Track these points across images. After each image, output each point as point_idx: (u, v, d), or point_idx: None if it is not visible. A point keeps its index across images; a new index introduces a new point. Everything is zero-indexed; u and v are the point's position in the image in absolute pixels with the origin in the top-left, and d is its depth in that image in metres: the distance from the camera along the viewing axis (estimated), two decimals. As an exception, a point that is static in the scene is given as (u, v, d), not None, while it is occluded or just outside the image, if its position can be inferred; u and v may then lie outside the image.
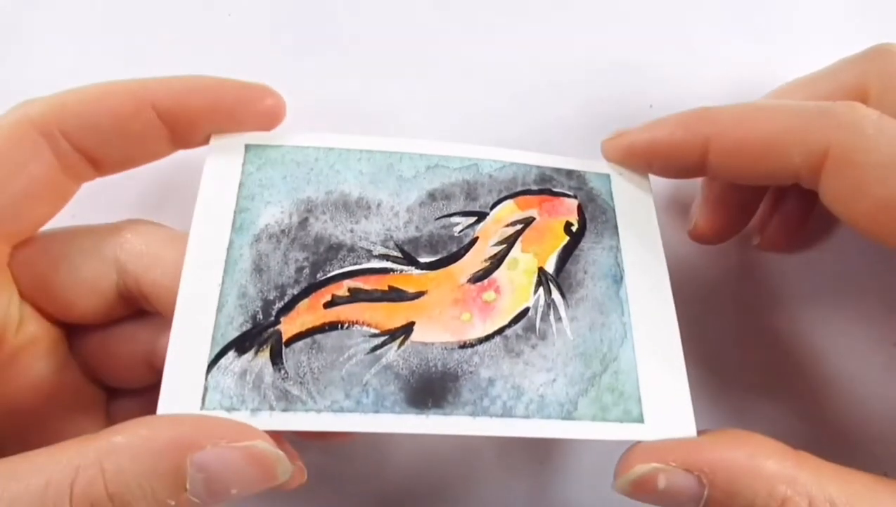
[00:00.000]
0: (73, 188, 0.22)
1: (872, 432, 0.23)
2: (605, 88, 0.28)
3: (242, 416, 0.19)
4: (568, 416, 0.19)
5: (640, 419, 0.20)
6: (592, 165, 0.24)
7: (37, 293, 0.21)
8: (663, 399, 0.20)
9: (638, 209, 0.23)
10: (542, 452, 0.24)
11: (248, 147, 0.22)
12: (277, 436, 0.18)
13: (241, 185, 0.22)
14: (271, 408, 0.19)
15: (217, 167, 0.22)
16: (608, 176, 0.24)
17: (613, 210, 0.23)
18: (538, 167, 0.23)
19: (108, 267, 0.21)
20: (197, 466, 0.17)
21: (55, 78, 0.21)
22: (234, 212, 0.21)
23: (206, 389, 0.19)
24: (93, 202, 0.23)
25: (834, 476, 0.18)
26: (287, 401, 0.19)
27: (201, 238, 0.21)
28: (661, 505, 0.19)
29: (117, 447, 0.16)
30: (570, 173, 0.23)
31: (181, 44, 0.27)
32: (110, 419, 0.23)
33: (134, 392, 0.23)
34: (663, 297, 0.22)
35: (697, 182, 0.27)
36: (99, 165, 0.21)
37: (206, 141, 0.22)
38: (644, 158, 0.23)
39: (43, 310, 0.22)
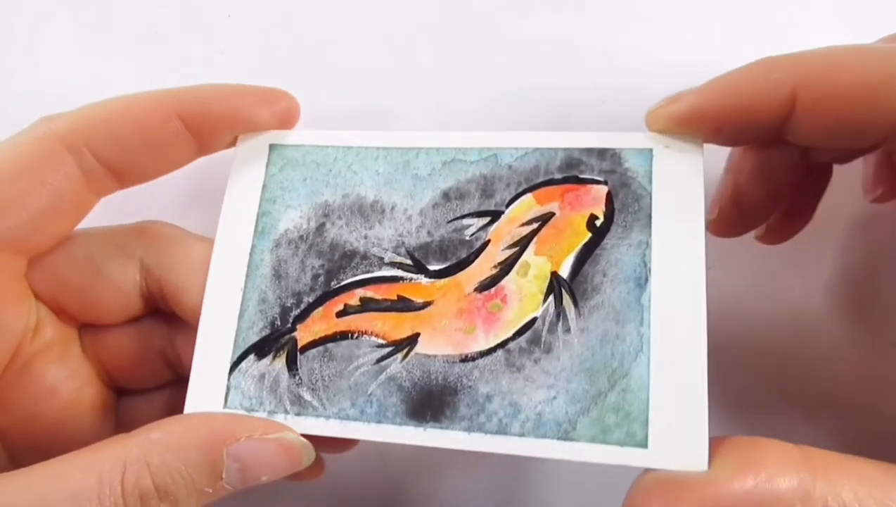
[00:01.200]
0: (93, 201, 0.22)
1: (873, 432, 0.22)
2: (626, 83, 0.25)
3: (260, 416, 0.21)
4: (565, 436, 0.19)
5: (644, 444, 0.19)
6: (631, 139, 0.21)
7: (59, 296, 0.22)
8: (674, 424, 0.19)
9: (682, 193, 0.20)
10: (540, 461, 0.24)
11: (272, 147, 0.23)
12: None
13: (264, 187, 0.23)
14: (286, 411, 0.21)
15: (244, 169, 0.23)
16: (650, 151, 0.21)
17: (650, 196, 0.20)
18: (565, 150, 0.21)
19: (132, 269, 0.22)
20: (233, 457, 0.19)
21: (54, 78, 0.22)
22: (257, 216, 0.22)
23: (228, 389, 0.21)
24: (105, 207, 0.23)
25: (847, 475, 0.17)
26: (300, 406, 0.21)
27: (226, 241, 0.22)
28: None
29: (157, 442, 0.19)
30: (602, 153, 0.21)
31: (181, 44, 0.28)
32: (120, 420, 0.24)
33: (140, 394, 0.24)
34: (695, 303, 0.19)
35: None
36: (123, 177, 0.22)
37: (226, 146, 0.23)
38: (710, 124, 0.20)
39: (63, 311, 0.22)
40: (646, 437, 0.19)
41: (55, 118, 0.21)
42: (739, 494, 0.17)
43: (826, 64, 0.18)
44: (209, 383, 0.21)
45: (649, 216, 0.20)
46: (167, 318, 0.23)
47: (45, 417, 0.22)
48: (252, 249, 0.22)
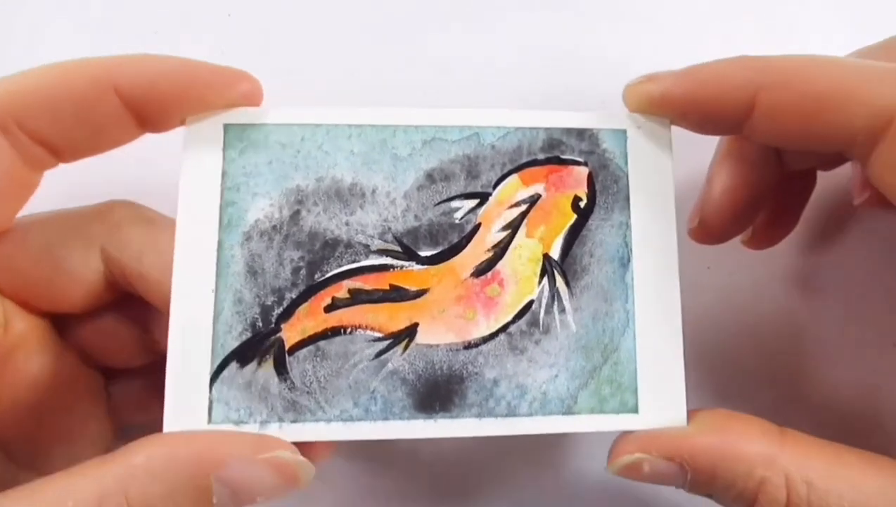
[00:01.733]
0: (36, 178, 0.20)
1: (872, 431, 0.24)
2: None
3: (251, 429, 0.19)
4: (568, 411, 0.20)
5: (636, 410, 0.20)
6: (607, 119, 0.22)
7: (20, 290, 0.21)
8: (658, 389, 0.20)
9: (654, 174, 0.21)
10: (542, 445, 0.25)
11: (227, 127, 0.20)
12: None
13: (224, 174, 0.20)
14: (280, 420, 0.19)
15: (196, 153, 0.20)
16: (624, 133, 0.22)
17: (627, 177, 0.21)
18: (546, 130, 0.21)
19: (94, 258, 0.21)
20: (222, 481, 0.17)
21: None
22: (220, 207, 0.20)
23: (211, 402, 0.19)
24: (65, 189, 0.21)
25: (817, 455, 0.19)
26: (296, 412, 0.19)
27: (188, 238, 0.19)
28: (650, 483, 0.20)
29: (138, 470, 0.17)
30: (581, 134, 0.22)
31: (181, 44, 0.27)
32: (112, 400, 0.23)
33: (132, 372, 0.24)
34: (670, 279, 0.21)
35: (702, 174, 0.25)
36: (60, 152, 0.20)
37: (175, 125, 0.20)
38: (678, 109, 0.21)
39: (28, 305, 0.21)
40: (636, 404, 0.20)
41: None
42: (703, 446, 0.19)
43: (790, 71, 0.20)
44: (188, 397, 0.19)
45: (627, 198, 0.21)
46: (140, 302, 0.22)
47: (35, 407, 0.21)
48: (220, 245, 0.20)
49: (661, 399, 0.20)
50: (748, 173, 0.23)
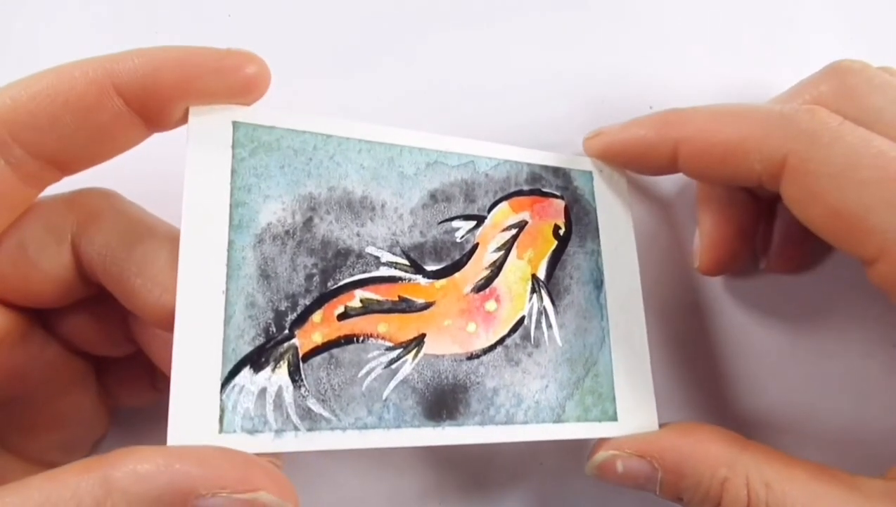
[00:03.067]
0: (31, 195, 0.19)
1: (872, 431, 0.24)
2: (606, 89, 0.28)
3: (266, 438, 0.18)
4: (557, 419, 0.22)
5: (615, 418, 0.22)
6: (577, 161, 0.25)
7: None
8: (633, 398, 0.23)
9: (615, 209, 0.25)
10: (539, 449, 0.26)
11: (236, 125, 0.20)
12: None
13: (233, 172, 0.19)
14: (296, 429, 0.19)
15: (203, 148, 0.19)
16: (590, 174, 0.25)
17: (595, 211, 0.24)
18: (528, 165, 0.24)
19: (66, 253, 0.19)
20: None
21: None
22: (230, 206, 0.19)
23: (222, 410, 0.18)
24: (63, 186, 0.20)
25: (775, 461, 0.21)
26: (311, 420, 0.19)
27: (196, 236, 0.19)
28: (625, 485, 0.22)
29: (113, 487, 0.16)
30: (556, 171, 0.24)
31: (181, 44, 0.24)
32: (102, 386, 0.23)
33: (123, 358, 0.23)
34: (634, 299, 0.24)
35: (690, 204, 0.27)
36: (65, 166, 0.19)
37: (180, 122, 0.19)
38: (620, 158, 0.25)
39: (5, 301, 0.19)
40: (615, 412, 0.23)
41: None
42: (671, 445, 0.22)
43: (700, 125, 0.23)
44: (196, 404, 0.18)
45: (597, 229, 0.24)
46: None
47: (21, 397, 0.20)
48: (230, 245, 0.19)
49: (636, 408, 0.23)
50: (725, 210, 0.26)
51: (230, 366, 0.18)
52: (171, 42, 0.24)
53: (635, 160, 0.25)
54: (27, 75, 0.17)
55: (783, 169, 0.21)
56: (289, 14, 0.27)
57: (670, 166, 0.24)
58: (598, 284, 0.24)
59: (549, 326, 0.22)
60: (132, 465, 0.16)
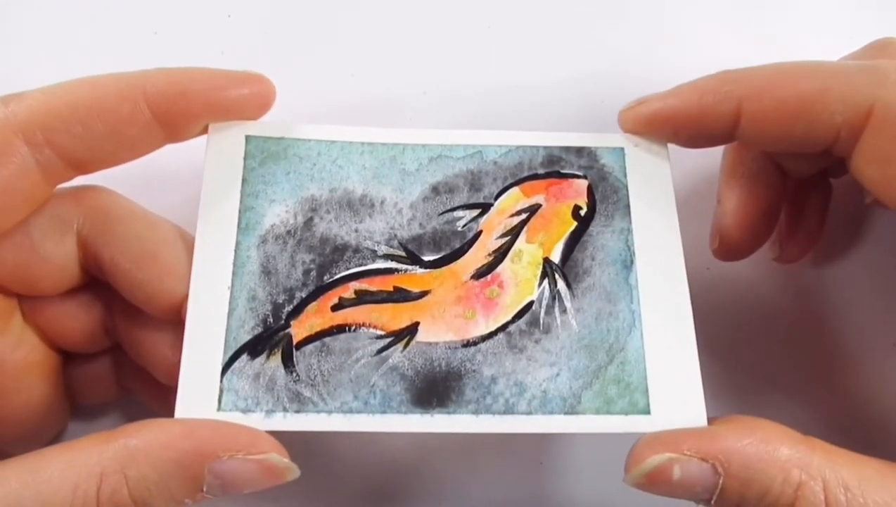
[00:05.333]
0: (48, 192, 0.21)
1: (874, 431, 0.23)
2: (612, 83, 0.27)
3: (257, 417, 0.20)
4: (571, 410, 0.20)
5: (647, 411, 0.20)
6: (605, 138, 0.23)
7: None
8: (672, 389, 0.20)
9: (653, 184, 0.22)
10: (541, 448, 0.24)
11: (248, 138, 0.22)
12: None
13: (244, 181, 0.22)
14: (285, 409, 0.20)
15: (219, 159, 0.22)
16: (622, 150, 0.23)
17: (626, 188, 0.22)
18: (546, 148, 0.23)
19: (70, 242, 0.21)
20: (214, 474, 0.18)
21: (53, 78, 0.20)
22: (239, 211, 0.22)
23: (221, 391, 0.20)
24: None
25: (846, 461, 0.18)
26: (300, 403, 0.20)
27: (209, 238, 0.21)
28: (673, 496, 0.19)
29: (136, 452, 0.18)
30: (580, 151, 0.23)
31: (181, 44, 0.27)
32: (67, 382, 0.23)
33: (89, 355, 0.24)
34: (676, 281, 0.21)
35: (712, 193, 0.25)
36: (83, 166, 0.20)
37: (197, 134, 0.22)
38: (669, 128, 0.22)
39: (2, 286, 0.21)
40: (647, 404, 0.20)
41: (13, 102, 0.19)
42: (737, 446, 0.18)
43: (768, 79, 0.21)
44: (200, 386, 0.20)
45: (627, 206, 0.22)
46: (106, 287, 0.22)
47: None
48: (237, 246, 0.21)
49: (677, 400, 0.20)
50: (753, 187, 0.24)
51: (230, 353, 0.20)
52: (171, 41, 0.26)
53: (688, 126, 0.22)
54: (64, 81, 0.19)
55: (867, 121, 0.19)
56: (288, 14, 0.28)
57: (728, 132, 0.22)
58: (628, 264, 0.21)
59: (564, 310, 0.21)
60: (153, 433, 0.18)
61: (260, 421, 0.20)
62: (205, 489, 0.18)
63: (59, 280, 0.21)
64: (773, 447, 0.18)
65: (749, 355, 0.26)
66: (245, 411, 0.20)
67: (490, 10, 0.29)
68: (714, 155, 0.25)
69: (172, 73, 0.21)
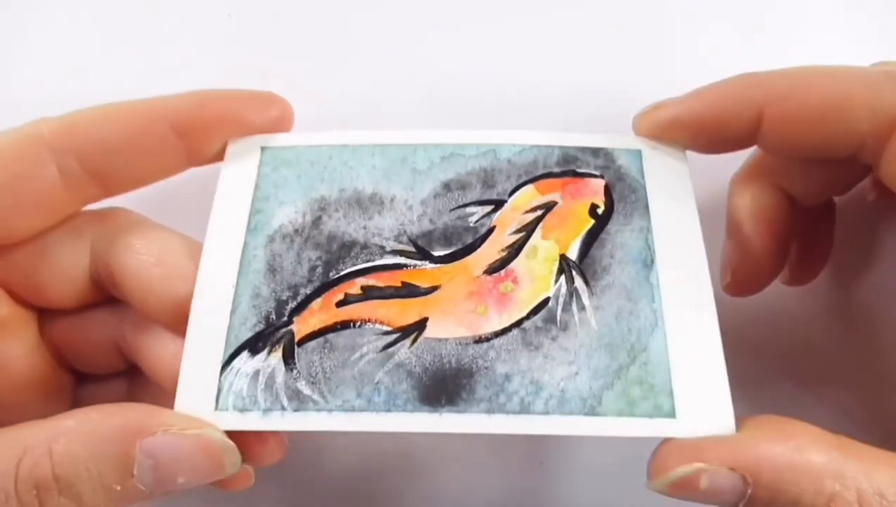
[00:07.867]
0: (72, 207, 0.21)
1: (875, 431, 0.22)
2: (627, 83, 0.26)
3: (254, 417, 0.19)
4: (591, 411, 0.18)
5: (672, 414, 0.18)
6: (622, 140, 0.22)
7: (9, 277, 0.21)
8: (698, 392, 0.18)
9: (672, 186, 0.21)
10: (542, 448, 0.23)
11: (263, 149, 0.22)
12: (259, 438, 0.19)
13: (256, 186, 0.22)
14: (283, 408, 0.19)
15: (234, 170, 0.22)
16: (639, 152, 0.22)
17: (644, 188, 0.21)
18: (561, 147, 0.22)
19: (82, 252, 0.21)
20: (146, 452, 0.17)
21: (53, 78, 0.21)
22: (249, 214, 0.21)
23: (219, 390, 0.19)
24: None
25: (882, 465, 0.16)
26: (299, 401, 0.19)
27: (217, 239, 0.21)
28: (699, 502, 0.17)
29: (67, 430, 0.17)
30: (596, 152, 0.22)
31: (181, 44, 0.27)
32: (78, 405, 0.22)
33: (102, 378, 0.23)
34: (700, 280, 0.20)
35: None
36: (107, 184, 0.21)
37: (218, 157, 0.22)
38: (688, 133, 0.22)
39: (14, 293, 0.21)
40: (673, 407, 0.18)
41: (47, 120, 0.20)
42: (767, 456, 0.17)
43: (791, 84, 0.20)
44: (199, 384, 0.19)
45: (646, 206, 0.21)
46: (120, 307, 0.22)
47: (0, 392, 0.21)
48: (244, 246, 0.21)
49: (703, 404, 0.18)
50: (765, 219, 0.23)
51: (230, 351, 0.19)
52: (171, 42, 0.26)
53: (707, 132, 0.21)
54: (98, 105, 0.20)
55: (895, 129, 0.18)
56: (288, 14, 0.28)
57: (748, 137, 0.21)
58: (648, 263, 0.20)
59: (582, 308, 0.20)
60: (85, 414, 0.17)
61: (257, 421, 0.19)
62: (135, 473, 0.17)
63: (69, 290, 0.21)
64: (805, 456, 0.17)
65: (774, 352, 0.25)
66: (242, 410, 0.19)
67: (497, 11, 0.29)
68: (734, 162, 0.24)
69: (193, 94, 0.21)
